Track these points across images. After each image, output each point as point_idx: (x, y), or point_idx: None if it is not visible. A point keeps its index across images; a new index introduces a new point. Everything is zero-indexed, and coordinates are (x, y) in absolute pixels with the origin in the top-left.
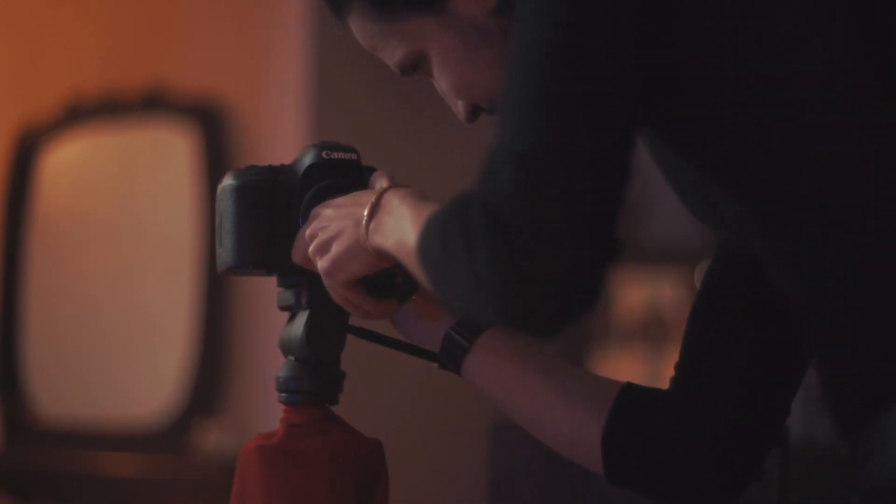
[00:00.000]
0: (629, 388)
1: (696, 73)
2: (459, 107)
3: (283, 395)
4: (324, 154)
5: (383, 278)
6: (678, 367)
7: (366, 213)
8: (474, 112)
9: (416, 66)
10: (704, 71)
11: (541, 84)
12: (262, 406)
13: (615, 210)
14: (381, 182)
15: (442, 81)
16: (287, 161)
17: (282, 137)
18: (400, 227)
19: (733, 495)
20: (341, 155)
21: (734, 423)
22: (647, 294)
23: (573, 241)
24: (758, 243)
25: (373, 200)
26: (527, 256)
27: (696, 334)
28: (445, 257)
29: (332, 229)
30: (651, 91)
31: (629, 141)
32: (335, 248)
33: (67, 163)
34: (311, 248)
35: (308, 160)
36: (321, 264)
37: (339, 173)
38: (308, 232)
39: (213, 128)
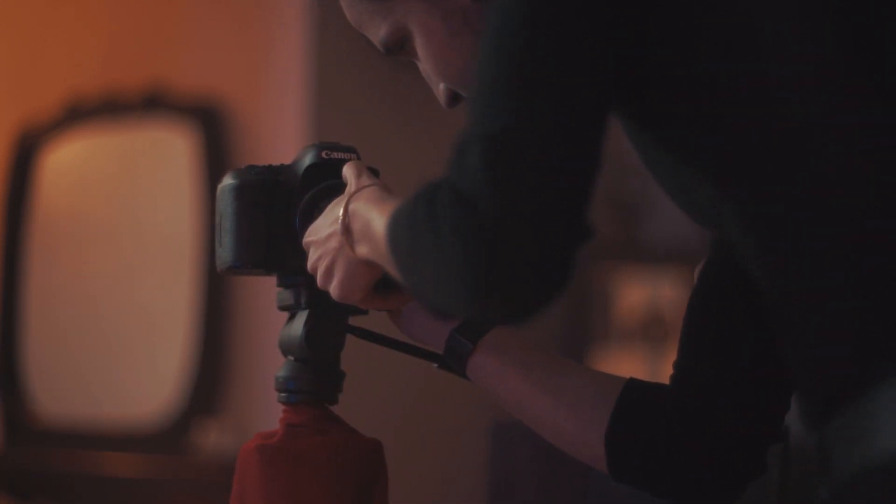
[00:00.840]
0: (632, 384)
1: (683, 67)
2: (440, 91)
3: (283, 394)
4: (323, 154)
5: None
6: (676, 364)
7: (340, 229)
8: (454, 98)
9: (400, 45)
10: (691, 66)
11: (511, 66)
12: (262, 406)
13: (584, 193)
14: (350, 178)
15: (425, 63)
16: (287, 161)
17: (282, 137)
18: (371, 229)
19: (737, 490)
20: (341, 155)
21: (734, 419)
22: (647, 294)
23: (541, 223)
24: (735, 233)
25: (341, 217)
26: (494, 236)
27: (692, 331)
28: (413, 242)
29: (326, 258)
30: (636, 83)
31: (600, 125)
32: (337, 275)
33: (67, 163)
34: (319, 283)
35: (308, 160)
36: (333, 293)
37: (338, 173)
38: (309, 267)
39: (213, 128)
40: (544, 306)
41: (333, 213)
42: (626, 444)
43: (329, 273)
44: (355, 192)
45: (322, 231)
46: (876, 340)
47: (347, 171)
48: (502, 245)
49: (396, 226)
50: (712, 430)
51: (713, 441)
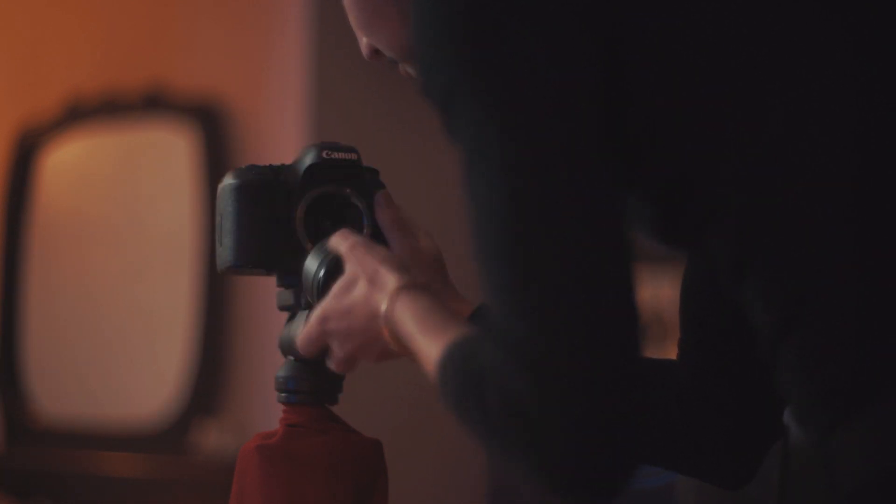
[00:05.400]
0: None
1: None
2: (362, 43)
3: (283, 394)
4: (324, 154)
5: None
6: (681, 343)
7: (387, 335)
8: (376, 52)
9: None
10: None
11: (509, 251)
12: (262, 406)
13: (634, 353)
14: (386, 273)
15: (348, 14)
16: (288, 161)
17: (282, 137)
18: (417, 349)
19: (758, 458)
20: (342, 155)
21: (745, 387)
22: (647, 294)
23: (595, 415)
24: (715, 261)
25: (384, 319)
26: (552, 441)
27: (691, 306)
28: (466, 416)
29: (362, 351)
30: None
31: (624, 272)
32: (363, 357)
33: (67, 163)
34: (337, 364)
35: (308, 160)
36: (337, 365)
37: (339, 173)
38: (337, 356)
39: (213, 128)
40: (627, 478)
41: (368, 307)
42: (642, 424)
43: (355, 358)
44: (397, 293)
45: (355, 321)
46: (880, 353)
47: (380, 262)
48: (562, 447)
49: (447, 383)
50: (724, 400)
51: (727, 411)
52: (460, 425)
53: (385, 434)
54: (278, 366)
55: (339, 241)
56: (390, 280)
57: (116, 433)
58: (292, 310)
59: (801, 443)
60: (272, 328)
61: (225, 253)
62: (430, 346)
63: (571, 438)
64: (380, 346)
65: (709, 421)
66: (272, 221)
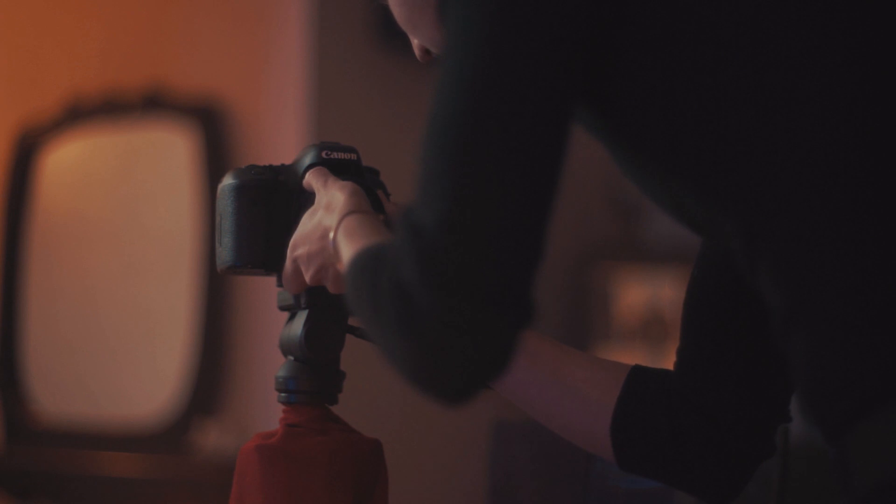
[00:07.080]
0: (636, 372)
1: (668, 86)
2: (414, 45)
3: (283, 394)
4: (324, 154)
5: None
6: (679, 351)
7: (332, 249)
8: (427, 52)
9: None
10: (677, 84)
11: (448, 146)
12: (262, 406)
13: (523, 283)
14: (341, 198)
15: (394, 14)
16: (288, 161)
17: (282, 137)
18: (341, 261)
19: (746, 473)
20: (341, 155)
21: (739, 401)
22: (647, 294)
23: (475, 323)
24: (735, 246)
25: (332, 238)
26: (427, 332)
27: (693, 315)
28: (360, 304)
29: (323, 271)
30: (619, 103)
31: (543, 203)
32: (330, 281)
33: (67, 163)
34: (308, 279)
35: (308, 160)
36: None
37: (339, 173)
38: (308, 280)
39: (213, 128)
40: (477, 393)
41: (321, 228)
42: (632, 433)
43: (319, 283)
44: (346, 215)
45: (313, 245)
46: (887, 351)
47: (339, 189)
48: (435, 342)
49: (350, 276)
50: (717, 414)
51: (719, 425)
52: (357, 318)
53: (385, 434)
54: (278, 366)
55: (315, 178)
56: (340, 203)
57: (116, 433)
58: (292, 310)
59: (801, 443)
60: (272, 328)
61: (225, 253)
62: (348, 252)
63: (441, 334)
64: (334, 270)
65: (701, 431)
66: (272, 221)
